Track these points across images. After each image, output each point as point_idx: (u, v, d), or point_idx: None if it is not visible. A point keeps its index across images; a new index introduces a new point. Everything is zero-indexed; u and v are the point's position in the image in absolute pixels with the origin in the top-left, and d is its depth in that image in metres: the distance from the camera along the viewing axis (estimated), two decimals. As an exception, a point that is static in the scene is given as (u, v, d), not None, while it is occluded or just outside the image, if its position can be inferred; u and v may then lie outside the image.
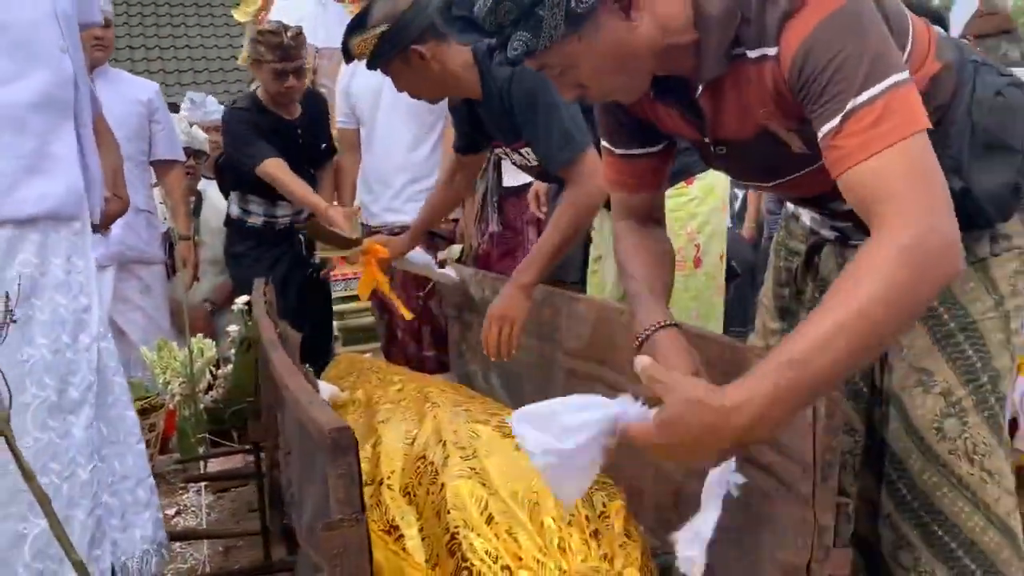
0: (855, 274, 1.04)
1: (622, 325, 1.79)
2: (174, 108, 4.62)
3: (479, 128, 2.39)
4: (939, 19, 2.21)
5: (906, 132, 1.07)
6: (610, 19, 1.16)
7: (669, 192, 2.37)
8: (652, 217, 1.55)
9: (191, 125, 4.57)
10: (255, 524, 2.49)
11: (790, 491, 1.22)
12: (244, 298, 3.16)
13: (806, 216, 1.72)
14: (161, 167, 3.68)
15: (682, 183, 2.35)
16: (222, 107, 4.96)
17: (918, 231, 1.03)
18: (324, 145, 3.69)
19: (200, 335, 3.21)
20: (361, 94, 3.43)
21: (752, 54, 1.19)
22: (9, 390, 1.03)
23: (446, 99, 2.36)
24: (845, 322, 1.00)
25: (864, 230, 1.49)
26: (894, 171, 1.06)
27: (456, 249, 3.40)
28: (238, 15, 6.55)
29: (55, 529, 1.05)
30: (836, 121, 1.09)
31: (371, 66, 2.15)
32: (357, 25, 2.12)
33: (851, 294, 1.02)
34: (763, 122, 1.26)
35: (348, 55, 2.17)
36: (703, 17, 1.20)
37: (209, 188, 4.36)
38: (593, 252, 2.73)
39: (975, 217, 1.41)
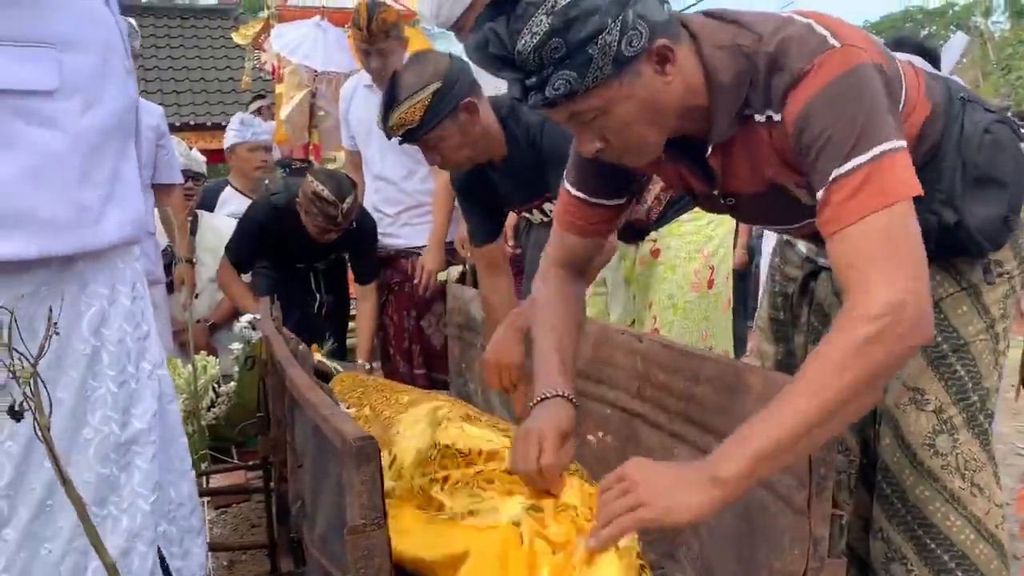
0: (830, 356, 1.08)
1: (622, 345, 1.85)
2: (172, 130, 4.63)
3: (492, 197, 2.35)
4: (929, 52, 2.28)
5: (885, 202, 1.12)
6: (648, 69, 1.20)
7: (686, 216, 2.44)
8: (585, 269, 1.61)
9: (190, 148, 4.62)
10: (257, 539, 2.54)
11: (787, 504, 1.27)
12: (247, 316, 3.20)
13: (802, 245, 1.78)
14: (161, 191, 3.65)
15: (698, 208, 2.41)
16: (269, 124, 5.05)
17: (888, 305, 1.07)
18: (362, 268, 3.48)
19: (203, 352, 3.25)
20: (356, 126, 3.51)
21: (759, 117, 1.26)
22: (48, 392, 1.04)
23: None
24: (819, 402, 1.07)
25: None
26: (868, 240, 1.11)
27: (456, 270, 3.46)
28: (237, 37, 6.66)
29: (87, 529, 1.08)
30: (824, 188, 1.16)
31: (418, 132, 2.06)
32: (392, 101, 2.05)
33: (828, 375, 1.07)
34: (773, 178, 1.32)
35: (390, 131, 2.09)
36: (715, 84, 1.26)
37: (206, 212, 4.37)
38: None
39: (968, 246, 1.48)
